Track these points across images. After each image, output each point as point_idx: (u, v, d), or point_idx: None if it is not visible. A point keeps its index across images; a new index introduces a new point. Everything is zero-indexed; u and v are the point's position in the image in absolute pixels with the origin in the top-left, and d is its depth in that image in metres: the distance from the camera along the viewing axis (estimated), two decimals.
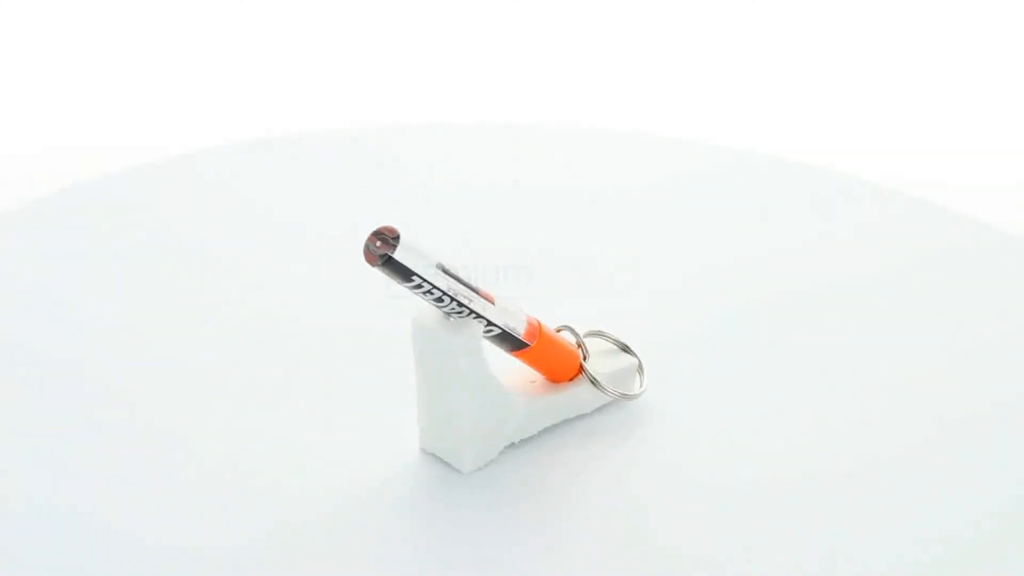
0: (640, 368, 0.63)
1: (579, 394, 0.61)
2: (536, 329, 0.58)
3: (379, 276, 0.52)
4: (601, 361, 0.62)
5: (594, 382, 0.61)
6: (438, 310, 0.55)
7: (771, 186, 0.89)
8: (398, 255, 0.51)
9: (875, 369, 0.67)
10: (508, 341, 0.57)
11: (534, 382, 0.61)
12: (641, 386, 0.63)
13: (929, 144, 1.28)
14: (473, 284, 0.55)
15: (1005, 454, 0.61)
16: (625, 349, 0.64)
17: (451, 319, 0.55)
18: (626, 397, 0.62)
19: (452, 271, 0.53)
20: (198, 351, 0.67)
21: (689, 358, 0.67)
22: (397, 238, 0.51)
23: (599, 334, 0.63)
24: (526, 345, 0.58)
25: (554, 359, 0.60)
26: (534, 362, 0.59)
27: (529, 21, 1.52)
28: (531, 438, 0.60)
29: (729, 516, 0.57)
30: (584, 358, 0.61)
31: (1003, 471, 0.60)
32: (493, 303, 0.55)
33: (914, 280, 0.76)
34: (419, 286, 0.52)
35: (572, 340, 0.61)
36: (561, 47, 1.48)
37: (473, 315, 0.55)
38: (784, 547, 0.55)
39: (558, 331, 0.61)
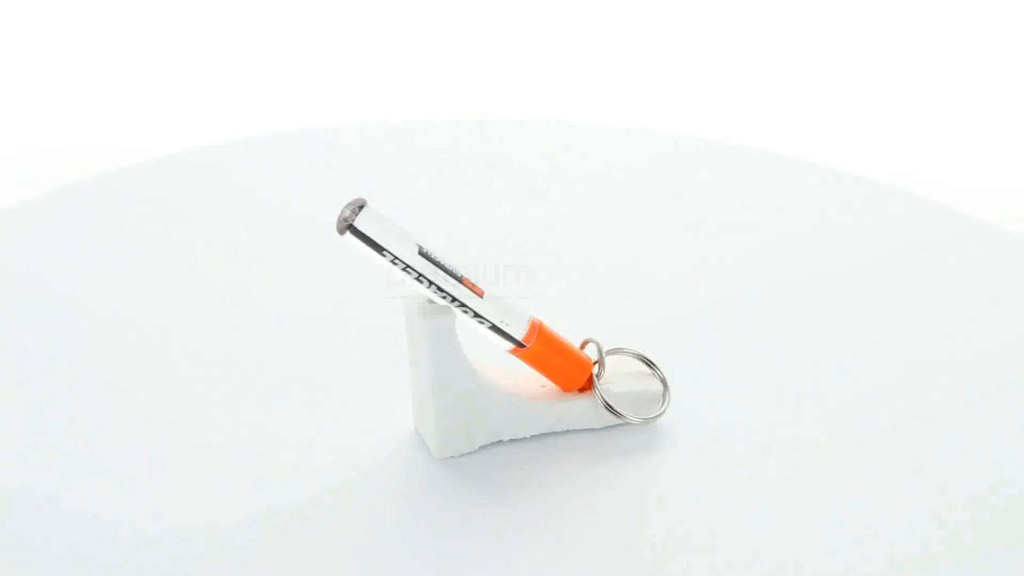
0: (664, 394, 0.61)
1: (584, 407, 0.60)
2: (536, 331, 0.58)
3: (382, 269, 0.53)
4: (622, 381, 0.61)
5: (608, 407, 0.59)
6: (429, 294, 0.55)
7: (774, 185, 0.89)
8: (360, 223, 0.52)
9: (896, 376, 0.66)
10: (503, 337, 0.57)
11: (544, 386, 0.60)
12: (662, 406, 0.61)
13: (931, 142, 1.28)
14: (458, 273, 0.55)
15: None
16: (651, 369, 0.62)
17: (436, 304, 0.56)
18: (635, 421, 0.60)
19: (433, 256, 0.54)
20: (199, 344, 0.68)
21: (699, 366, 0.66)
22: (362, 207, 0.52)
23: (627, 352, 0.62)
24: (521, 345, 0.57)
25: (555, 366, 0.59)
26: (533, 364, 0.59)
27: (537, 18, 1.52)
28: (537, 442, 0.60)
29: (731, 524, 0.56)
30: (597, 375, 0.60)
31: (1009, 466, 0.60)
32: (481, 296, 0.56)
33: (937, 285, 0.75)
34: (394, 262, 0.53)
35: (594, 354, 0.60)
36: (567, 44, 1.48)
37: (457, 303, 0.55)
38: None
39: (584, 344, 0.60)
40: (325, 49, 1.46)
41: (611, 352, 0.61)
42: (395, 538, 0.55)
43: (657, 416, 0.60)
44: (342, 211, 0.53)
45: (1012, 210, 1.03)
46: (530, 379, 0.60)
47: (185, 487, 0.58)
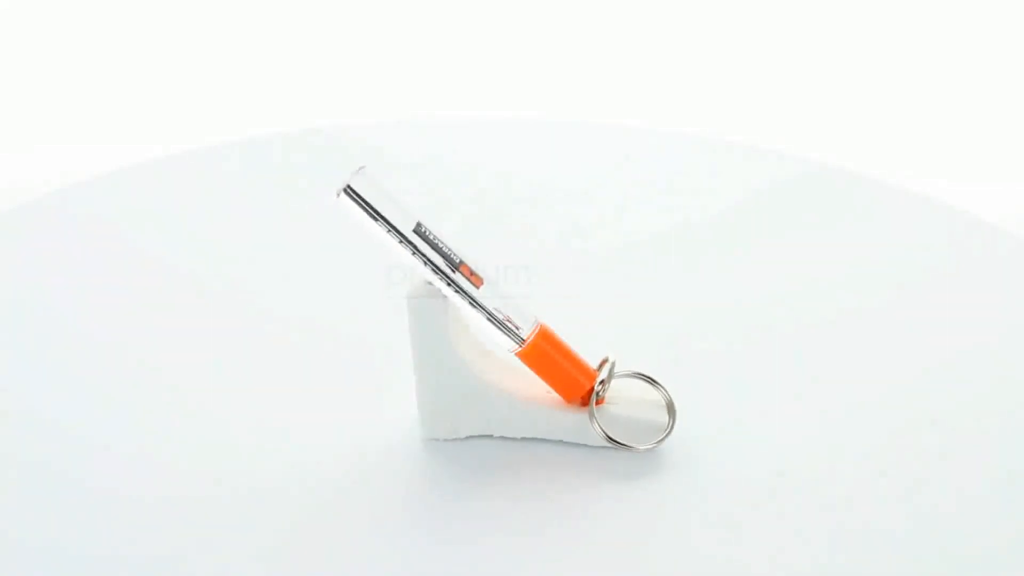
0: (667, 424, 0.59)
1: (581, 421, 0.59)
2: (536, 334, 0.57)
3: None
4: (625, 405, 0.59)
5: (602, 431, 0.58)
6: (427, 274, 0.55)
7: (777, 184, 0.88)
8: (355, 183, 0.53)
9: (904, 382, 0.64)
10: (503, 332, 0.57)
11: (550, 393, 0.60)
12: (662, 436, 0.59)
13: (933, 140, 1.27)
14: (456, 259, 0.55)
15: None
16: (664, 397, 0.60)
17: (436, 287, 0.56)
18: (623, 447, 0.58)
19: (432, 236, 0.55)
20: (204, 338, 0.69)
21: (697, 370, 0.65)
22: (360, 170, 0.53)
23: (639, 376, 0.60)
24: (517, 345, 0.57)
25: (552, 372, 0.58)
26: (532, 367, 0.58)
27: (533, 17, 1.51)
28: (533, 446, 0.59)
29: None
30: (596, 392, 0.58)
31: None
32: (479, 286, 0.56)
33: (940, 286, 0.73)
34: (389, 232, 0.54)
35: (603, 373, 0.59)
36: (567, 44, 1.47)
37: (453, 287, 0.55)
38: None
39: (602, 362, 0.59)
40: (325, 49, 1.46)
41: (623, 374, 0.60)
42: (351, 513, 0.56)
43: (651, 446, 0.59)
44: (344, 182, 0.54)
45: (1014, 209, 1.02)
46: (537, 383, 0.59)
47: (185, 469, 0.59)
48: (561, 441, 0.60)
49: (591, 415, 0.58)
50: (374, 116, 1.23)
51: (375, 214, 0.54)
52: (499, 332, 0.57)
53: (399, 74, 1.42)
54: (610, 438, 0.58)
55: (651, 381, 0.60)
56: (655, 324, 0.70)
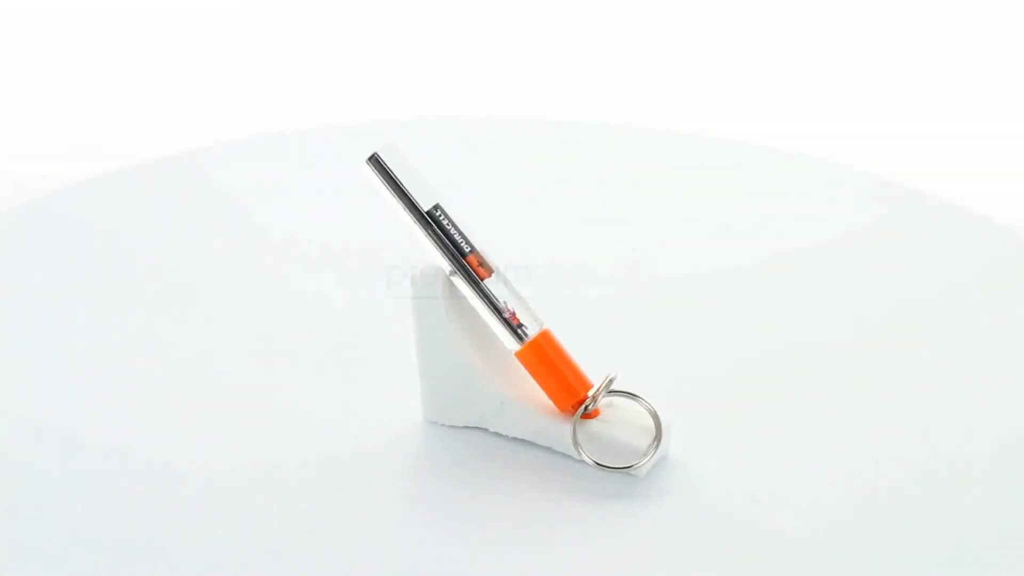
0: (647, 451, 0.57)
1: (569, 431, 0.58)
2: (537, 335, 0.57)
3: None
4: (612, 423, 0.58)
5: (575, 442, 0.57)
6: (438, 257, 0.56)
7: (779, 184, 0.88)
8: (382, 151, 0.55)
9: (909, 395, 0.63)
10: (506, 329, 0.57)
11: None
12: (641, 464, 0.57)
13: (943, 140, 1.27)
14: (466, 248, 0.56)
15: None
16: (655, 422, 0.57)
17: (446, 274, 0.57)
18: (594, 463, 0.57)
19: (446, 220, 0.56)
20: (208, 334, 0.69)
21: (695, 376, 0.64)
22: (390, 144, 0.56)
23: (636, 398, 0.58)
24: (517, 344, 0.57)
25: (545, 377, 0.58)
26: (527, 367, 0.58)
27: (533, 16, 1.51)
28: (531, 449, 0.59)
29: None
30: (586, 405, 0.57)
31: None
32: (483, 277, 0.56)
33: (951, 289, 0.73)
34: (406, 208, 0.55)
35: (603, 387, 0.57)
36: (563, 42, 1.47)
37: (461, 274, 0.56)
38: None
39: (608, 379, 0.57)
40: (328, 47, 1.46)
41: (617, 392, 0.58)
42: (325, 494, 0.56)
43: (627, 469, 0.57)
44: None
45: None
46: (540, 388, 0.59)
47: (185, 461, 0.59)
48: (557, 449, 0.59)
49: (573, 426, 0.57)
50: (377, 116, 1.23)
51: (395, 187, 0.55)
52: (502, 328, 0.57)
53: (401, 73, 1.42)
54: (579, 452, 0.57)
55: (634, 397, 0.58)
56: (661, 335, 0.69)
